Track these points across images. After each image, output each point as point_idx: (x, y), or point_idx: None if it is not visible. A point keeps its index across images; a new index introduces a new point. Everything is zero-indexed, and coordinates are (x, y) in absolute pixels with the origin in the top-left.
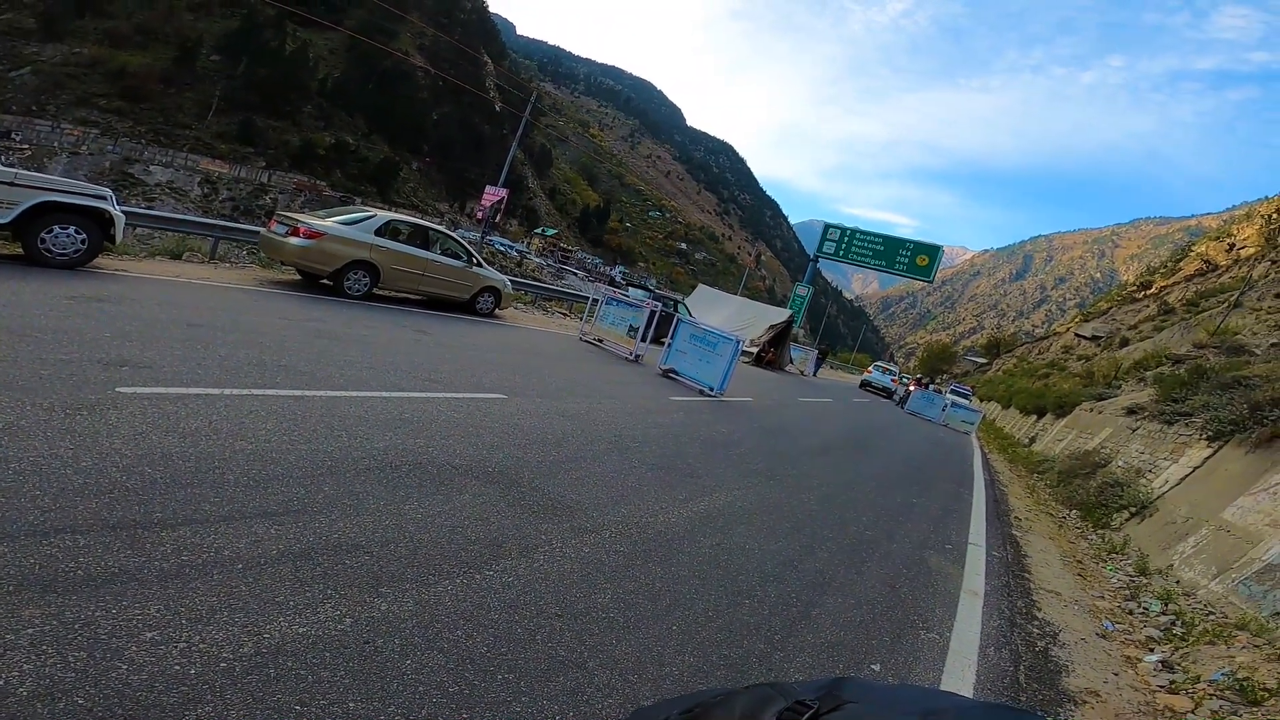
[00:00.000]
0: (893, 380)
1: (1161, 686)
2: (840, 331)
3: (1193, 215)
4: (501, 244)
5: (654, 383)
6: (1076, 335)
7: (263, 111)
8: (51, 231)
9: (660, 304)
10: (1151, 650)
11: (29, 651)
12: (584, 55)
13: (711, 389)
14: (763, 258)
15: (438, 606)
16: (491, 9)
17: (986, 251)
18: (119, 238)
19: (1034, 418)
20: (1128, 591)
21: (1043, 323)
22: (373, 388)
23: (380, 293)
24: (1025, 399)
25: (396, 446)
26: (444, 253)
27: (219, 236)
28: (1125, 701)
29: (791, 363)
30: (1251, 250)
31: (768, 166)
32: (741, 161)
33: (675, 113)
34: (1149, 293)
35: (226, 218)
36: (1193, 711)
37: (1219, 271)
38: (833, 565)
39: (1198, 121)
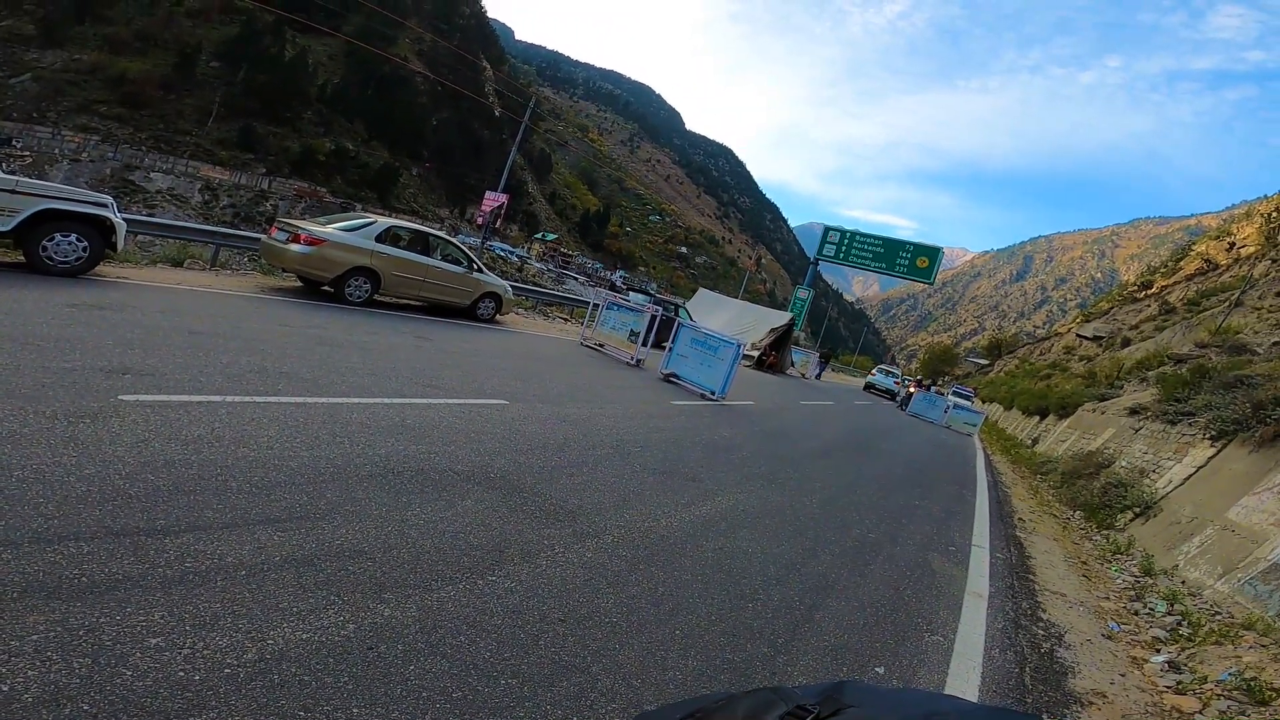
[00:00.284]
0: (895, 382)
1: (1168, 687)
2: (841, 334)
3: (1192, 214)
4: (502, 249)
5: (655, 387)
6: (1078, 336)
7: (263, 118)
8: (53, 239)
9: (661, 308)
10: (1158, 651)
11: (34, 658)
12: (583, 60)
13: (713, 393)
14: (763, 261)
15: (440, 612)
16: (490, 14)
17: (986, 253)
18: (120, 245)
19: (1036, 419)
20: (1133, 592)
21: (1044, 323)
22: (374, 394)
23: (381, 299)
24: (1027, 400)
25: (398, 452)
26: (444, 258)
27: (220, 243)
28: (1132, 702)
29: (793, 365)
30: (1252, 249)
31: (767, 169)
32: (741, 165)
33: (674, 116)
34: (1150, 292)
35: (227, 224)
36: (1200, 712)
37: (1219, 271)
38: (836, 568)
39: (1196, 121)
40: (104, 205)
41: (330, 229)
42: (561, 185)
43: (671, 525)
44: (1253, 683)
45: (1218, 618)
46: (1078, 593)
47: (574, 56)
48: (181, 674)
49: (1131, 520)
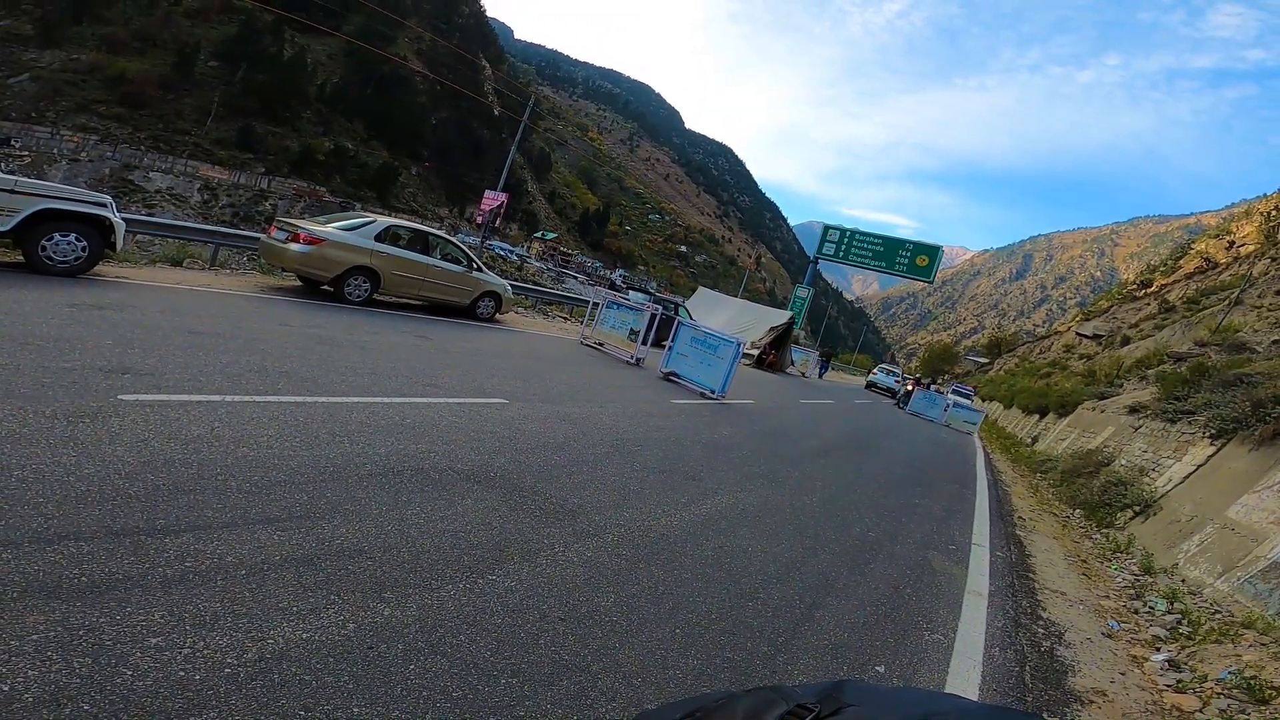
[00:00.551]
0: (896, 381)
1: (1169, 686)
2: (841, 333)
3: (1192, 213)
4: (501, 248)
5: (655, 386)
6: (1077, 334)
7: (262, 117)
8: (52, 239)
9: (661, 307)
10: (1158, 649)
11: (34, 657)
12: (582, 59)
13: (713, 392)
14: (763, 260)
15: (441, 611)
16: (489, 13)
17: (986, 251)
18: (119, 245)
19: (1036, 417)
20: (1133, 591)
21: (1043, 322)
22: (374, 393)
23: (381, 298)
24: (1027, 398)
25: (398, 452)
26: (444, 258)
27: (219, 243)
28: (1132, 701)
29: (793, 364)
30: (1251, 247)
31: (767, 169)
32: (740, 164)
33: (674, 115)
34: (1149, 291)
35: (226, 224)
36: (1200, 710)
37: (1219, 269)
38: (836, 567)
39: (1195, 120)
40: (103, 205)
41: (329, 228)
42: (561, 184)
43: (671, 524)
44: (1253, 681)
45: (1218, 616)
46: (1078, 591)
47: (573, 55)
48: (182, 673)
49: (1131, 519)
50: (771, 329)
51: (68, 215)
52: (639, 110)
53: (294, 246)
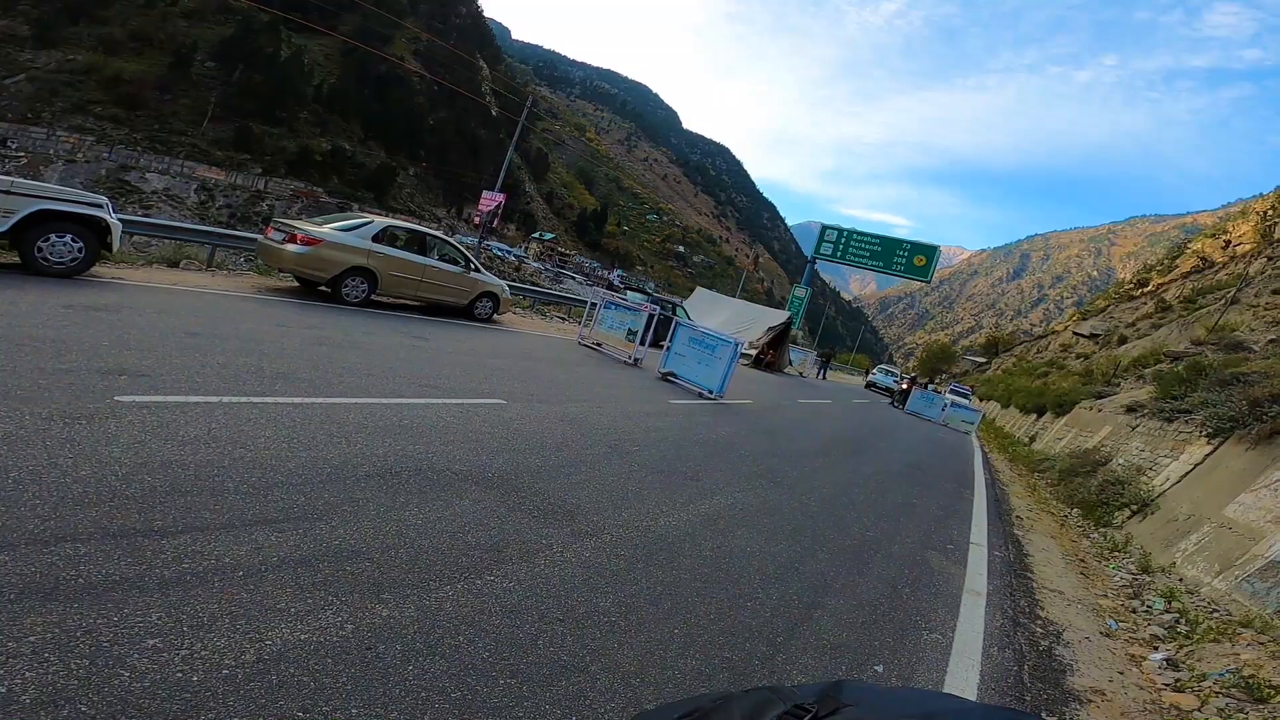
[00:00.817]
0: (895, 381)
1: (1167, 685)
2: (839, 333)
3: (1188, 213)
4: (499, 249)
5: (653, 386)
6: (1075, 333)
7: (259, 118)
8: (48, 240)
9: (659, 307)
10: (1156, 648)
11: (31, 659)
12: (579, 59)
13: (711, 392)
14: (761, 260)
15: (439, 612)
16: (486, 13)
17: (983, 251)
18: (116, 246)
19: (1034, 416)
20: (1131, 590)
21: (1041, 321)
22: (372, 394)
23: (378, 299)
24: (1025, 398)
25: (396, 452)
26: (441, 258)
27: (216, 244)
28: (1131, 700)
29: (791, 364)
30: (1247, 247)
31: (764, 169)
32: (738, 164)
33: (671, 115)
34: (1146, 290)
35: (223, 225)
36: (1199, 709)
37: (1215, 268)
38: (834, 566)
39: (1192, 119)
40: (99, 206)
41: (327, 229)
42: (559, 184)
43: (670, 524)
44: (1251, 680)
45: (1215, 615)
46: (1076, 590)
47: (571, 56)
48: (179, 675)
49: (1129, 518)
50: (769, 329)
51: (64, 216)
52: (636, 110)
53: (291, 247)
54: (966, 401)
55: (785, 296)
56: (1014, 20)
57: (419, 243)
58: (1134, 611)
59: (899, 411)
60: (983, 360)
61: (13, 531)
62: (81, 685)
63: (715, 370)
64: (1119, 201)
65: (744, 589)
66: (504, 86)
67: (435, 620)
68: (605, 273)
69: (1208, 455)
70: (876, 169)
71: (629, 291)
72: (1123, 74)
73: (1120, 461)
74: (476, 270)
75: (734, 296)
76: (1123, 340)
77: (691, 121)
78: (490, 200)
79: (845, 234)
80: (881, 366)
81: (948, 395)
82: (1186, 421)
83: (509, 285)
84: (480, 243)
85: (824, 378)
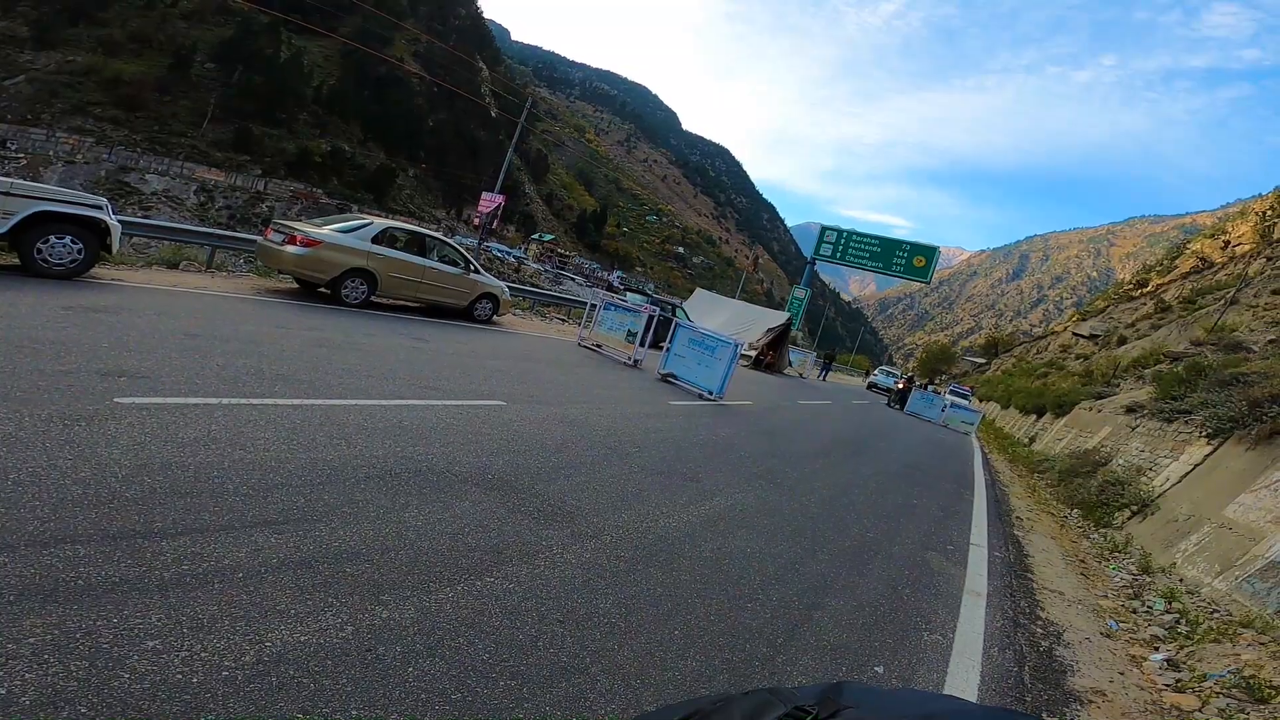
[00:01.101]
0: (895, 382)
1: (1168, 685)
2: (839, 333)
3: (1187, 213)
4: (499, 250)
5: (653, 387)
6: (1074, 334)
7: (258, 119)
8: (48, 241)
9: (659, 308)
10: (1156, 649)
11: (31, 661)
12: (579, 60)
13: (711, 393)
14: (760, 261)
15: (439, 614)
16: (486, 15)
17: (983, 252)
18: (115, 247)
19: (1033, 417)
20: (1131, 590)
21: (1040, 322)
22: (371, 396)
23: (378, 300)
24: (1024, 398)
25: (396, 454)
26: (441, 259)
27: (216, 245)
28: (1131, 700)
29: (790, 365)
30: (1247, 247)
31: (764, 169)
32: (737, 164)
33: (671, 116)
34: (1145, 291)
35: (223, 226)
36: (1199, 710)
37: (1215, 269)
38: (834, 567)
39: (1191, 119)
40: (99, 207)
41: (326, 230)
42: (558, 186)
43: (670, 525)
44: (1251, 680)
45: (1216, 615)
46: (1076, 591)
47: (570, 57)
48: (179, 676)
49: (1129, 518)
50: (769, 330)
51: (64, 217)
52: (636, 111)
53: (291, 248)
54: (966, 402)
55: (785, 297)
56: (1012, 21)
57: (418, 244)
58: (1134, 612)
59: (898, 412)
60: (982, 361)
61: (12, 533)
62: (81, 687)
63: (715, 371)
64: (1118, 202)
65: (744, 590)
66: (503, 88)
67: (435, 622)
68: (605, 274)
69: (1207, 456)
70: (876, 169)
71: (628, 293)
72: (1121, 74)
73: (1120, 462)
74: (476, 271)
75: (733, 297)
76: (1122, 341)
77: (691, 122)
78: (490, 201)
79: (845, 235)
80: (883, 367)
81: (947, 396)
82: (1186, 422)
83: (508, 286)
84: (480, 244)
85: (825, 379)
